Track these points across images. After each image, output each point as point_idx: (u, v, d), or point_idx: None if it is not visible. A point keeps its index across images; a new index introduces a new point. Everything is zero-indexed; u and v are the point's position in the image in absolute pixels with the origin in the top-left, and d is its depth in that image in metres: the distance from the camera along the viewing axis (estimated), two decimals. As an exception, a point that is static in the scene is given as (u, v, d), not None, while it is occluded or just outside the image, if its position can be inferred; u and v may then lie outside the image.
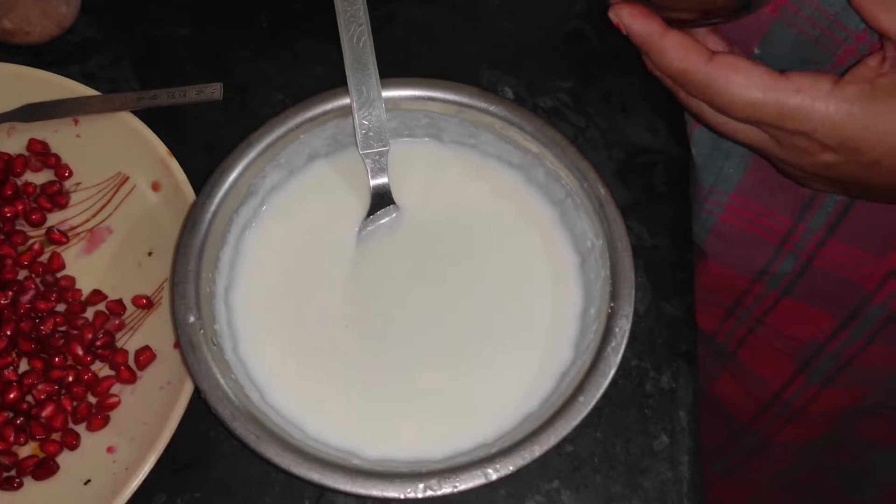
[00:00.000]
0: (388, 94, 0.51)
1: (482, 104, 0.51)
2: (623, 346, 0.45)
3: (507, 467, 0.42)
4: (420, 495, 0.41)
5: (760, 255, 0.61)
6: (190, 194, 0.52)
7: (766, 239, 0.60)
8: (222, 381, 0.44)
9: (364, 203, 0.52)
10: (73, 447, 0.48)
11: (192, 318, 0.45)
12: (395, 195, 0.52)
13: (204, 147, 0.58)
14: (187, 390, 0.48)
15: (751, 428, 0.76)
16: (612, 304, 0.46)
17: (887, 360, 0.62)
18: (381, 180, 0.52)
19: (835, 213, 0.54)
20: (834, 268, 0.59)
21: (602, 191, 0.49)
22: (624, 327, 0.45)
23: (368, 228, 0.52)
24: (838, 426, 0.72)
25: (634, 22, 0.42)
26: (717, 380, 0.75)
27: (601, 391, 0.44)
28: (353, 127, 0.51)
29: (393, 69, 0.52)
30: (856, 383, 0.66)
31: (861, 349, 0.62)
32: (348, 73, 0.51)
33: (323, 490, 0.48)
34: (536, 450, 0.43)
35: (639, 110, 0.60)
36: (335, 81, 0.52)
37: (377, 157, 0.52)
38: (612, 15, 0.44)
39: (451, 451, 0.45)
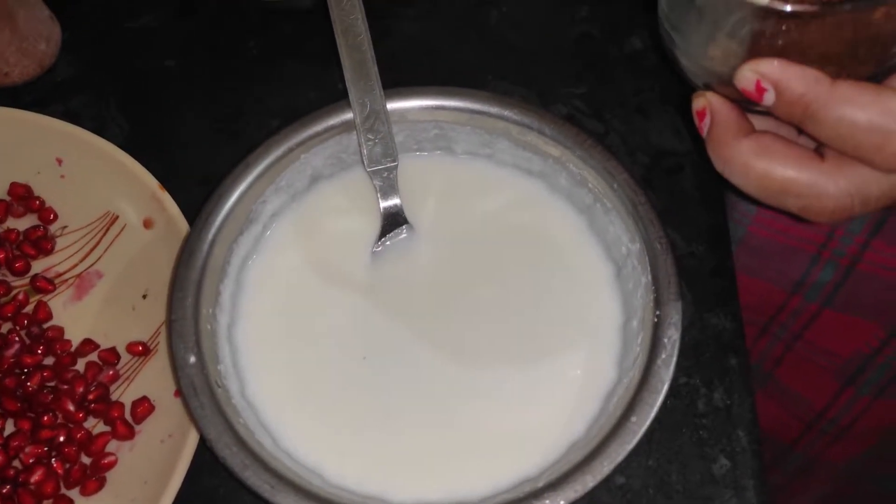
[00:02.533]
0: (392, 105, 0.48)
1: (496, 109, 0.48)
2: (674, 358, 0.41)
3: (558, 503, 0.37)
4: (462, 541, 0.36)
5: (796, 265, 0.57)
6: (185, 229, 0.48)
7: (802, 248, 0.56)
8: (230, 427, 0.39)
9: (374, 225, 0.48)
10: (66, 515, 0.43)
11: (192, 359, 0.41)
12: (408, 214, 0.48)
13: (198, 179, 0.54)
14: (192, 441, 0.43)
15: (794, 449, 0.71)
16: (657, 313, 0.42)
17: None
18: (393, 201, 0.48)
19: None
20: (879, 272, 0.54)
21: (635, 191, 0.45)
22: (673, 337, 0.41)
23: (381, 252, 0.48)
24: (890, 439, 0.67)
25: (786, 73, 0.31)
26: (753, 401, 0.70)
27: (655, 409, 0.39)
28: (358, 143, 0.47)
29: (393, 85, 0.48)
30: None
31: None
32: (349, 85, 0.47)
33: (349, 544, 0.43)
34: (589, 480, 0.38)
35: (658, 112, 0.57)
36: (331, 104, 0.48)
37: (386, 174, 0.48)
38: (700, 100, 0.35)
39: (491, 490, 0.40)
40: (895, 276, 0.54)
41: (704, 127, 0.35)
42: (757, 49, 0.32)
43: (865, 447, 0.68)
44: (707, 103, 0.34)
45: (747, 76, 0.31)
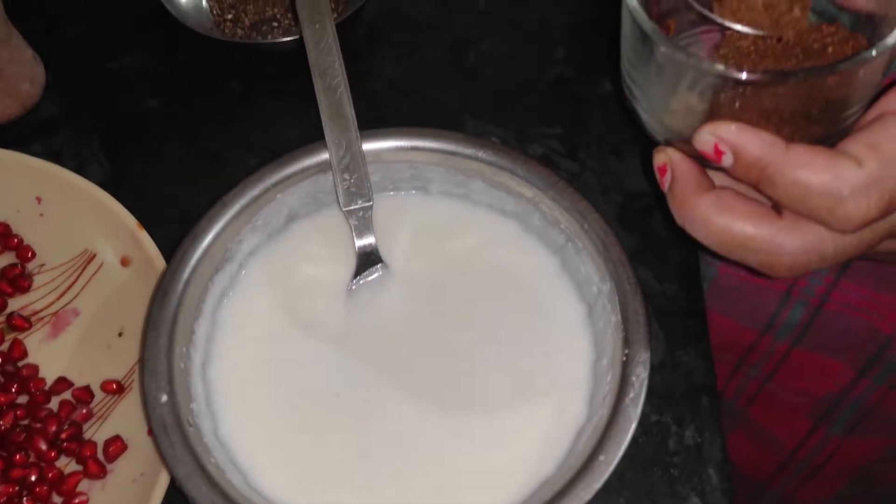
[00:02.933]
0: (368, 146, 0.48)
1: (469, 150, 0.48)
2: (642, 397, 0.41)
3: (527, 542, 0.37)
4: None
5: (765, 305, 0.58)
6: (162, 267, 0.49)
7: (771, 288, 0.56)
8: (200, 467, 0.39)
9: (350, 264, 0.49)
10: (36, 555, 0.43)
11: (164, 398, 0.41)
12: (383, 253, 0.49)
13: (176, 217, 0.54)
14: (163, 481, 0.43)
15: (768, 488, 0.71)
16: (626, 352, 0.42)
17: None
18: (368, 240, 0.49)
19: None
20: (847, 311, 0.55)
21: (605, 232, 0.45)
22: (641, 375, 0.41)
23: (356, 291, 0.48)
24: (863, 477, 0.67)
25: (743, 137, 0.32)
26: (728, 439, 0.70)
27: (623, 448, 0.39)
28: (334, 183, 0.48)
29: (373, 125, 0.49)
30: (880, 432, 0.62)
31: (884, 395, 0.58)
32: (325, 126, 0.48)
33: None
34: (557, 520, 0.38)
35: (632, 152, 0.58)
36: (312, 142, 0.49)
37: (361, 213, 0.48)
38: (661, 155, 0.35)
39: (461, 529, 0.40)
40: (862, 316, 0.55)
41: (666, 182, 0.35)
42: (715, 110, 0.32)
43: (838, 487, 0.68)
44: (668, 159, 0.35)
45: (706, 139, 0.32)
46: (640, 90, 0.36)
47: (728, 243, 0.34)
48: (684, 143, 0.34)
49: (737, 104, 0.32)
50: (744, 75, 0.31)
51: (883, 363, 0.57)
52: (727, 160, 0.32)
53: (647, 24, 0.33)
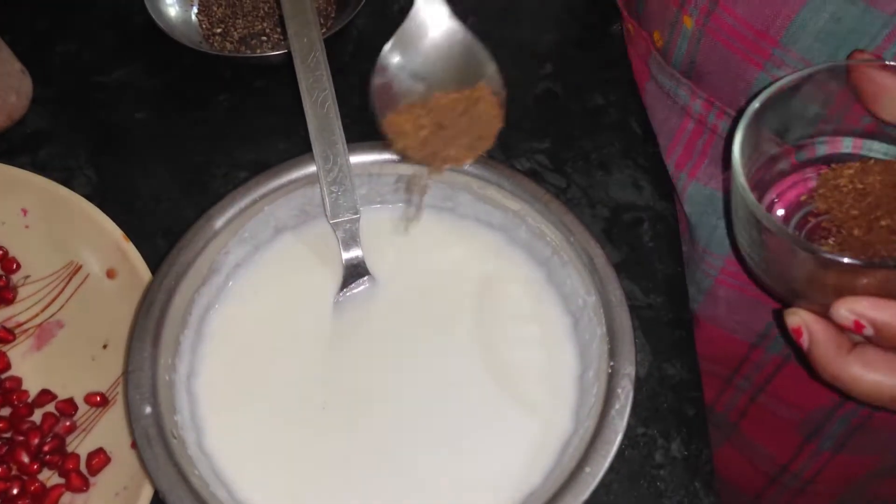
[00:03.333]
0: (356, 159, 0.49)
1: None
2: (628, 409, 0.41)
3: (513, 554, 0.37)
4: None
5: (759, 318, 0.58)
6: (148, 279, 0.48)
7: (766, 303, 0.57)
8: (184, 479, 0.39)
9: (336, 276, 0.49)
10: (17, 570, 0.43)
11: (148, 409, 0.41)
12: (370, 265, 0.49)
13: (162, 231, 0.54)
14: (146, 494, 0.42)
15: (758, 502, 0.71)
16: (611, 364, 0.42)
17: (903, 421, 0.58)
18: (354, 252, 0.49)
19: None
20: None
21: (591, 244, 0.45)
22: (627, 387, 0.41)
23: (342, 303, 0.48)
24: (853, 492, 0.67)
25: (882, 315, 0.34)
26: (719, 453, 0.70)
27: (609, 460, 0.39)
28: (321, 196, 0.48)
29: (361, 138, 0.49)
30: (870, 448, 0.62)
31: (874, 410, 0.58)
32: (313, 139, 0.48)
33: None
34: (543, 532, 0.38)
35: (620, 167, 0.58)
36: (296, 157, 0.49)
37: (348, 226, 0.48)
38: (795, 318, 0.37)
39: (447, 541, 0.40)
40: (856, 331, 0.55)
41: (804, 343, 0.37)
42: (844, 282, 0.34)
43: (829, 502, 0.68)
44: (802, 322, 0.37)
45: (844, 315, 0.34)
46: (762, 262, 0.37)
47: (882, 397, 0.36)
48: (814, 304, 0.36)
49: (864, 280, 0.34)
50: (862, 262, 0.33)
51: None
52: (868, 332, 0.34)
53: (762, 213, 0.35)
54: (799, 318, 0.37)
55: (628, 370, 0.42)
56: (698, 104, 0.51)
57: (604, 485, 0.40)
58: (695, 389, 0.49)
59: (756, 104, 0.37)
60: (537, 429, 0.44)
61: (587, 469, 0.39)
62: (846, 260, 0.33)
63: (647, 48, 0.54)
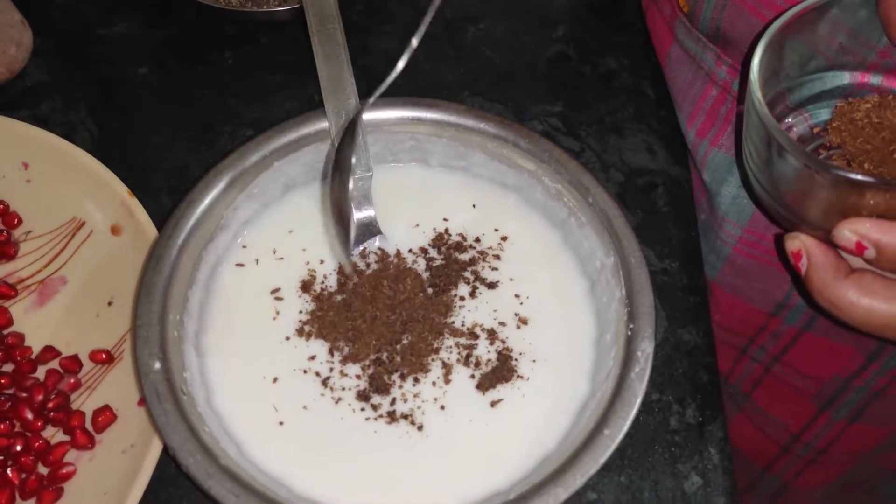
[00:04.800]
0: (369, 116, 0.47)
1: (471, 122, 0.48)
2: (648, 371, 0.40)
3: (530, 515, 0.37)
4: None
5: (778, 286, 0.57)
6: (154, 236, 0.47)
7: (784, 272, 0.56)
8: (194, 435, 0.38)
9: (348, 235, 0.47)
10: (21, 527, 0.42)
11: (157, 365, 0.40)
12: (382, 225, 0.48)
13: (168, 188, 0.53)
14: (154, 452, 0.41)
15: (769, 472, 0.71)
16: (631, 326, 0.41)
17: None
18: (367, 211, 0.48)
19: None
20: None
21: (609, 205, 0.45)
22: (647, 350, 0.41)
23: (353, 261, 0.47)
24: (865, 463, 0.67)
25: (886, 236, 0.33)
26: (731, 423, 0.69)
27: (629, 422, 0.39)
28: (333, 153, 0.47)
29: (368, 96, 0.48)
30: (885, 419, 0.62)
31: (891, 381, 0.58)
32: (325, 95, 0.47)
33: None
34: (560, 493, 0.37)
35: (633, 131, 0.57)
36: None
37: (360, 184, 0.47)
38: (795, 242, 0.36)
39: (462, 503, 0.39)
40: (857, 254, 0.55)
41: (802, 267, 0.36)
42: (850, 203, 0.33)
43: (838, 473, 0.67)
44: (802, 246, 0.36)
45: (846, 236, 0.34)
46: (769, 182, 0.36)
47: (874, 323, 0.35)
48: (816, 230, 0.35)
49: (871, 201, 0.33)
50: (878, 181, 0.32)
51: (892, 350, 0.56)
52: (870, 254, 0.34)
53: (774, 126, 0.34)
54: (799, 242, 0.36)
55: (648, 333, 0.41)
56: (723, 70, 0.50)
57: (618, 450, 0.39)
58: (710, 355, 0.49)
59: (782, 19, 0.36)
60: (552, 393, 0.43)
61: (606, 431, 0.39)
62: (857, 177, 0.32)
63: (674, 12, 0.52)
